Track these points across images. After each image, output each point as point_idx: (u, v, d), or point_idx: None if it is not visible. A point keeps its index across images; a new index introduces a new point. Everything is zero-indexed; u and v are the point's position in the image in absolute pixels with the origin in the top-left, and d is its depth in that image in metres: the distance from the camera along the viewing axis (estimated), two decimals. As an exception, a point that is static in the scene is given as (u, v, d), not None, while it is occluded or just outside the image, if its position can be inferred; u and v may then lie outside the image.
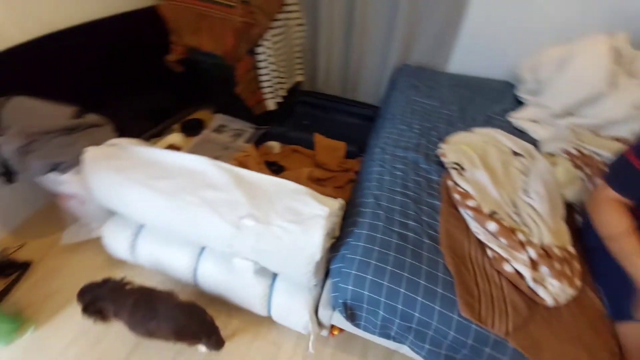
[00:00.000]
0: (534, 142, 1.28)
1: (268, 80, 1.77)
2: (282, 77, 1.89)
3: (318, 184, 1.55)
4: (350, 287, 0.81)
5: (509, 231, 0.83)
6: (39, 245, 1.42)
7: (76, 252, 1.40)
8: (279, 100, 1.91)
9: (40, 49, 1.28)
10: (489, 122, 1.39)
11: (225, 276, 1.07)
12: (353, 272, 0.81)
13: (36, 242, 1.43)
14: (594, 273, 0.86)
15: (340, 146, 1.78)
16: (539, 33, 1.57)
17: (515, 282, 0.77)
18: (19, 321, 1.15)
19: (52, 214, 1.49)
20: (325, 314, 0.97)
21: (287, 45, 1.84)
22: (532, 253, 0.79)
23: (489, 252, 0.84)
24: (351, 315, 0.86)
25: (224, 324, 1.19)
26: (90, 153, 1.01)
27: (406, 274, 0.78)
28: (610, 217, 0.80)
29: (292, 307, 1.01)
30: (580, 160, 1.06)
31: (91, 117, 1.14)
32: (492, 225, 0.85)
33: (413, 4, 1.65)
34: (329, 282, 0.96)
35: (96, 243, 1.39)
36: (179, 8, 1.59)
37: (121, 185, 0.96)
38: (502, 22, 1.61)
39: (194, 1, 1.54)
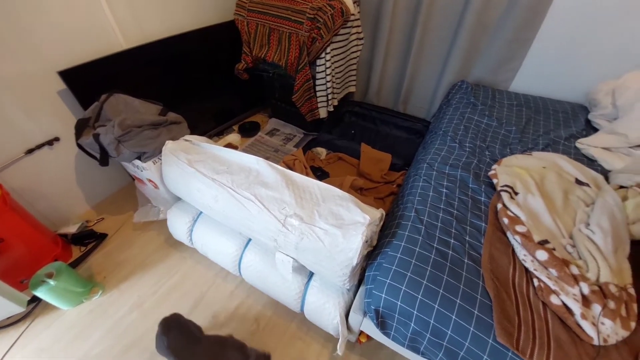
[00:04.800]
0: (604, 172, 1.17)
1: (323, 90, 1.87)
2: (336, 88, 1.98)
3: (360, 193, 1.59)
4: (383, 295, 0.83)
5: (561, 263, 0.78)
6: (115, 221, 1.67)
7: (144, 230, 1.62)
8: (331, 109, 2.00)
9: (139, 55, 1.53)
10: (551, 147, 1.30)
11: (266, 269, 1.16)
12: (388, 281, 0.83)
13: (113, 218, 1.69)
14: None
15: (386, 158, 1.79)
16: (621, 55, 1.44)
17: (562, 316, 0.72)
18: (90, 285, 1.35)
19: (128, 195, 1.76)
20: (355, 319, 1.00)
21: (345, 57, 1.93)
22: (585, 288, 0.73)
23: (536, 282, 0.79)
24: (382, 323, 0.87)
25: (259, 314, 1.28)
26: (169, 146, 1.18)
27: (442, 291, 0.78)
28: None
29: (324, 308, 1.06)
30: (659, 196, 0.94)
31: (172, 115, 1.34)
32: (542, 254, 0.80)
33: (480, 19, 1.61)
34: (362, 289, 0.99)
35: (160, 224, 1.60)
36: (253, 23, 1.78)
37: (190, 175, 1.11)
38: (580, 42, 1.50)
39: (267, 17, 1.71)
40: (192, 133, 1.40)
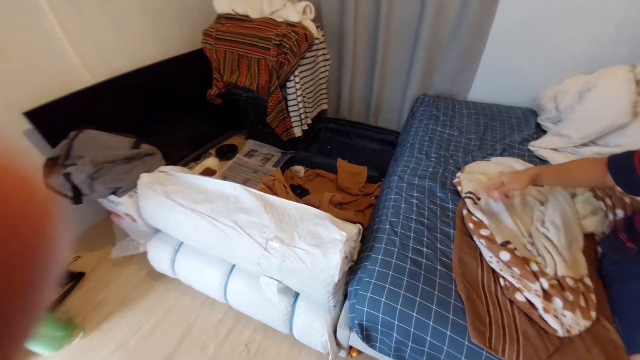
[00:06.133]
0: (555, 171, 1.29)
1: (296, 111, 1.93)
2: (308, 107, 2.05)
3: (340, 207, 1.63)
4: (365, 309, 0.86)
5: (522, 261, 0.86)
6: (91, 258, 1.62)
7: (123, 265, 1.58)
8: (305, 127, 2.06)
9: (107, 89, 1.53)
10: (508, 151, 1.41)
11: (252, 293, 1.17)
12: (368, 294, 0.87)
13: (89, 255, 1.63)
14: (612, 304, 0.84)
15: (362, 171, 1.86)
16: (563, 62, 1.60)
17: (527, 312, 0.79)
18: (70, 328, 1.30)
19: (105, 230, 1.71)
20: (343, 334, 1.02)
21: (313, 78, 2.01)
22: (545, 284, 0.81)
23: (502, 281, 0.86)
24: (367, 336, 0.91)
25: (249, 339, 1.28)
26: (144, 179, 1.18)
27: (419, 299, 0.82)
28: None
29: (312, 326, 1.07)
30: (602, 190, 1.06)
31: (145, 147, 1.34)
32: (505, 255, 0.87)
33: (433, 35, 1.75)
34: (347, 304, 1.02)
35: (141, 257, 1.56)
36: (221, 51, 1.83)
37: (169, 208, 1.11)
38: (525, 50, 1.65)
39: (235, 45, 1.76)
40: (168, 161, 1.41)
